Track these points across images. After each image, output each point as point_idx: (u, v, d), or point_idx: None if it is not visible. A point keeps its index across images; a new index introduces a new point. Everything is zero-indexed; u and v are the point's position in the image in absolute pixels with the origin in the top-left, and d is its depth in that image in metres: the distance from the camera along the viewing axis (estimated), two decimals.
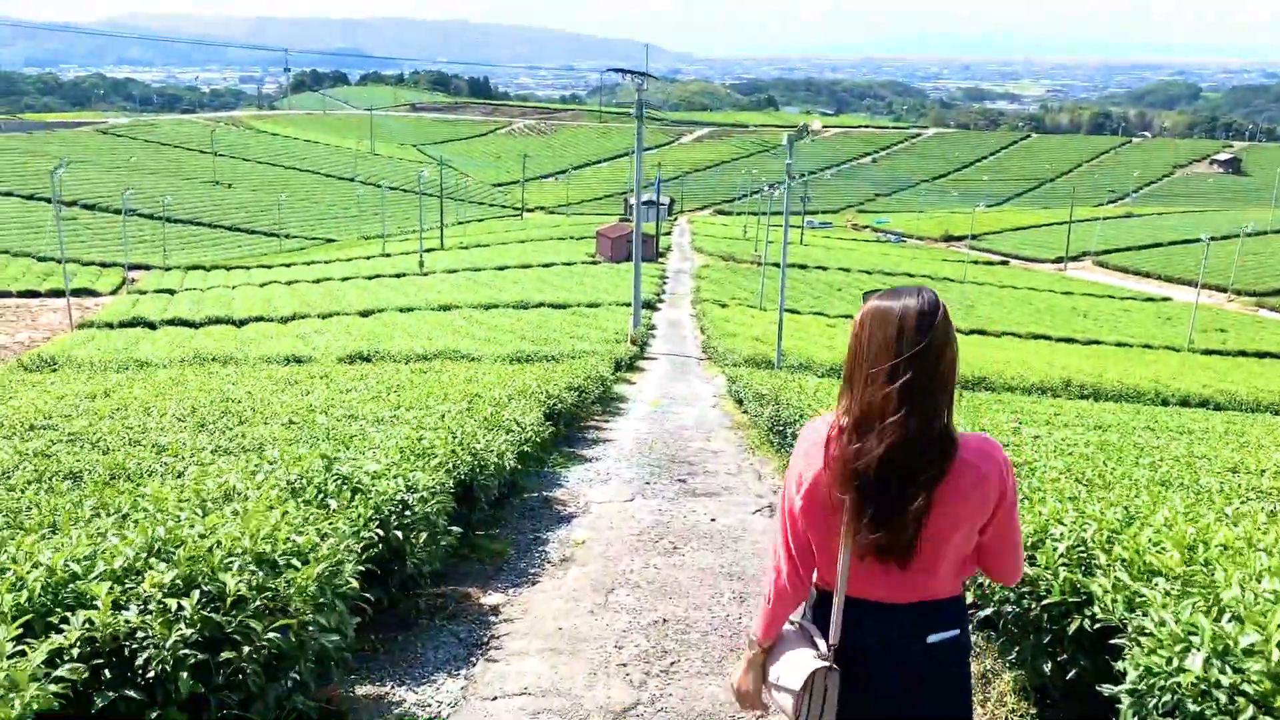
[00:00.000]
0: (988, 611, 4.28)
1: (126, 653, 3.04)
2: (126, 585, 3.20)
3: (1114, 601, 3.39)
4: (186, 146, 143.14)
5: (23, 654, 2.73)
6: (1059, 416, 15.63)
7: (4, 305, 60.31)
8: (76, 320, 51.86)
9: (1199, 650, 2.76)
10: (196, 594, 3.16)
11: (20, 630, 2.91)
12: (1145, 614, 3.16)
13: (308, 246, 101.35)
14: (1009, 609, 4.11)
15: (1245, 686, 2.61)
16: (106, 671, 3.01)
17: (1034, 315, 61.76)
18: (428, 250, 77.49)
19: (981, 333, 52.33)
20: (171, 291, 64.80)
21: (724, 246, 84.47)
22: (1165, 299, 77.28)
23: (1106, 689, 3.16)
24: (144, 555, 3.37)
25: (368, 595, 4.25)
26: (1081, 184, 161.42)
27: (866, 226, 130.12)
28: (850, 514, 2.23)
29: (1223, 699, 2.64)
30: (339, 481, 4.98)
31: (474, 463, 6.79)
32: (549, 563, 6.80)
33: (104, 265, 77.99)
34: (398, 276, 65.89)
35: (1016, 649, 4.16)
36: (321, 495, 4.79)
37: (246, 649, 3.14)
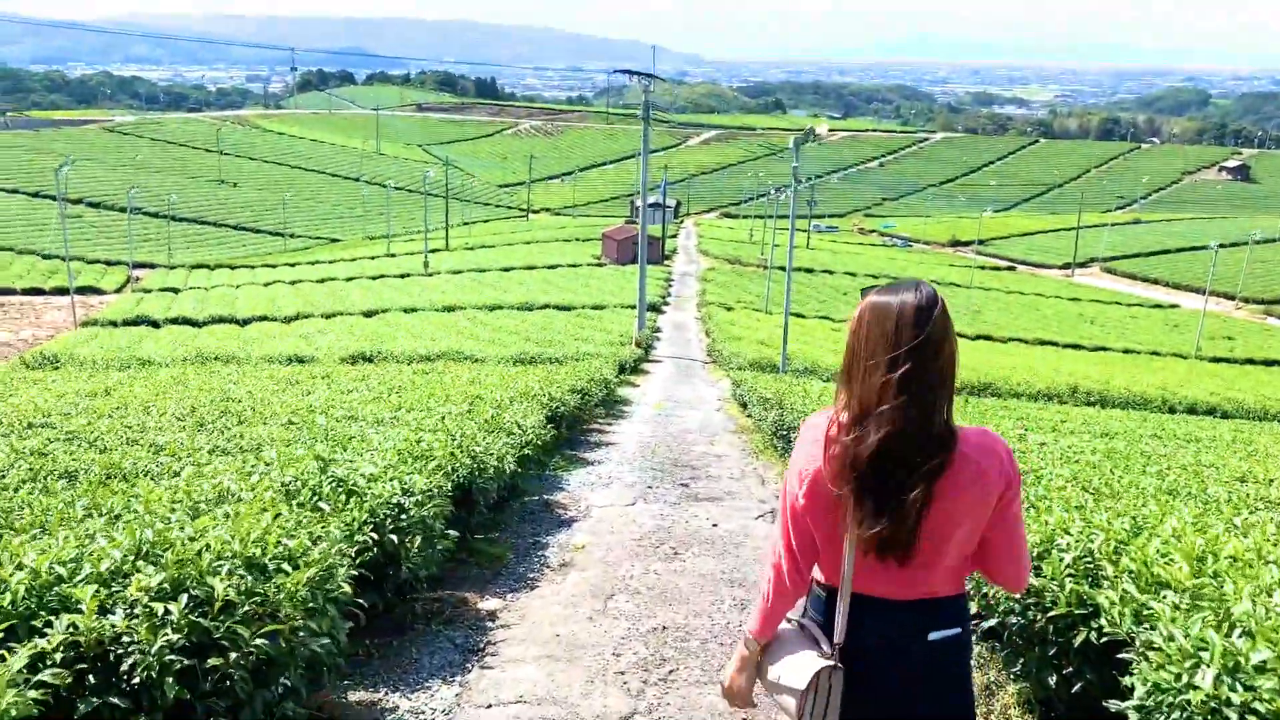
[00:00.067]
0: (992, 622, 4.21)
1: (112, 658, 2.98)
2: (113, 589, 3.14)
3: (1121, 614, 3.32)
4: (192, 145, 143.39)
5: (1, 659, 2.68)
6: (1065, 423, 15.54)
7: (8, 303, 60.39)
8: (80, 318, 51.92)
9: (1209, 666, 2.70)
10: (184, 598, 3.09)
11: (1, 635, 2.85)
12: (1154, 628, 3.09)
13: (312, 246, 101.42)
14: (1014, 620, 4.04)
15: (1257, 705, 2.55)
16: (91, 677, 2.95)
17: (1041, 321, 61.64)
18: (433, 251, 77.50)
19: (988, 338, 52.27)
20: (175, 290, 64.83)
21: (730, 249, 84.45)
22: (1173, 306, 77.12)
23: (1114, 705, 3.09)
24: (131, 558, 3.31)
25: (360, 601, 4.19)
26: (1090, 190, 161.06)
27: (873, 231, 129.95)
28: (850, 507, 2.21)
29: (1234, 717, 2.57)
30: (334, 484, 4.92)
31: (473, 466, 6.73)
32: (548, 567, 6.73)
33: (109, 263, 78.10)
34: (402, 277, 65.90)
35: (1021, 661, 4.09)
36: (316, 498, 4.73)
37: (234, 655, 3.08)
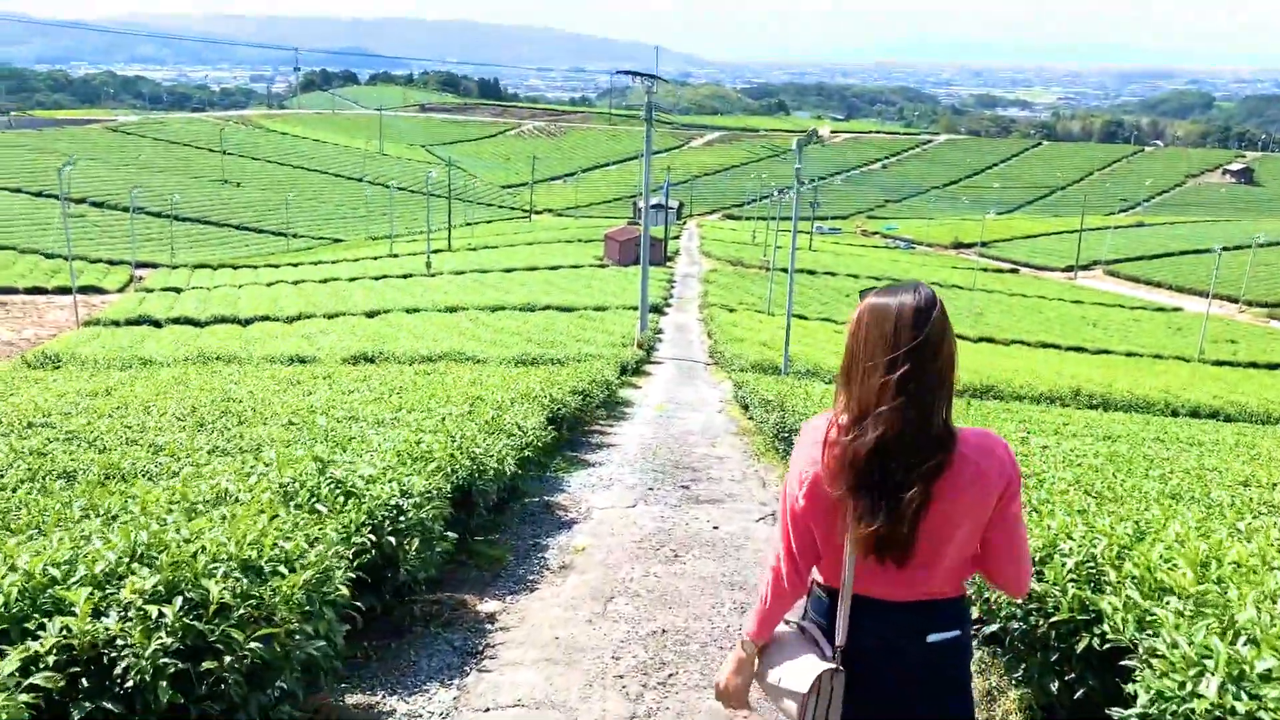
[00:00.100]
0: (994, 627, 4.18)
1: (105, 661, 2.96)
2: (107, 591, 3.11)
3: (1125, 621, 3.29)
4: (196, 145, 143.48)
5: None
6: (1068, 426, 15.50)
7: (11, 302, 60.46)
8: (83, 318, 51.96)
9: (1214, 675, 2.66)
10: (179, 601, 3.07)
11: None
12: (1157, 635, 3.06)
13: (315, 246, 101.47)
14: (1015, 625, 4.01)
15: (1262, 714, 2.52)
16: (83, 681, 2.92)
17: (1043, 324, 61.59)
18: (435, 251, 77.52)
19: (990, 340, 52.23)
20: (178, 290, 64.88)
21: (732, 251, 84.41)
22: (1176, 309, 77.02)
23: (1117, 713, 3.06)
24: (126, 560, 3.28)
25: (358, 604, 4.16)
26: (1093, 192, 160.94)
27: (876, 233, 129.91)
28: (848, 507, 2.20)
29: None
30: (332, 485, 4.88)
31: (473, 467, 6.70)
32: (548, 569, 6.70)
33: (111, 263, 78.18)
34: (404, 277, 65.91)
35: (1023, 666, 4.06)
36: (314, 499, 4.70)
37: (228, 659, 3.05)
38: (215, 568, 3.28)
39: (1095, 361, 46.23)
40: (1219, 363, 52.07)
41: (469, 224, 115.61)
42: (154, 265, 79.87)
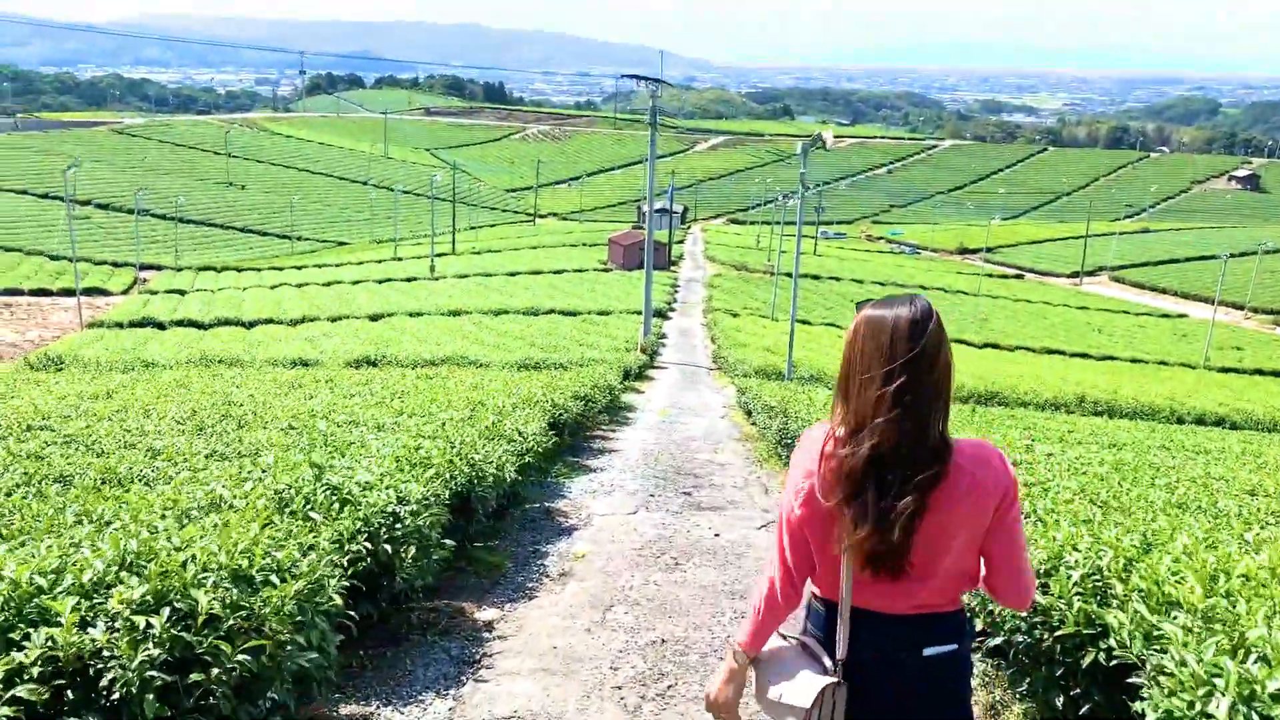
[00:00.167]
0: (998, 640, 4.13)
1: (91, 673, 2.91)
2: (95, 600, 3.06)
3: (1132, 636, 3.23)
4: (201, 147, 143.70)
5: None
6: (1073, 434, 15.42)
7: (16, 303, 60.51)
8: (87, 319, 51.98)
9: (1224, 695, 2.60)
10: (167, 611, 3.01)
11: None
12: (1165, 652, 2.99)
13: (319, 249, 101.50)
14: (1020, 638, 3.95)
15: None
16: (69, 693, 2.87)
17: (1048, 330, 61.48)
18: (439, 255, 77.53)
19: (995, 346, 52.12)
20: (182, 292, 64.94)
21: (737, 256, 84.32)
22: (1181, 315, 76.84)
23: None
24: (115, 569, 3.23)
25: (352, 613, 4.10)
26: (1098, 198, 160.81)
27: (881, 238, 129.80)
28: (843, 518, 2.20)
29: None
30: (328, 492, 4.83)
31: (472, 473, 6.64)
32: (547, 577, 6.64)
33: (116, 265, 78.27)
34: (408, 281, 65.90)
35: (1027, 680, 3.99)
36: (309, 506, 4.64)
37: (216, 671, 2.99)
38: (205, 577, 3.22)
39: (1100, 368, 46.10)
40: (1224, 369, 51.93)
41: (473, 228, 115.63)
42: (158, 267, 79.95)
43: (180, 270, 79.02)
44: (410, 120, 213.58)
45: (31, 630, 2.89)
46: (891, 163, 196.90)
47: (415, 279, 66.68)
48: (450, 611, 5.78)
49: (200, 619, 3.05)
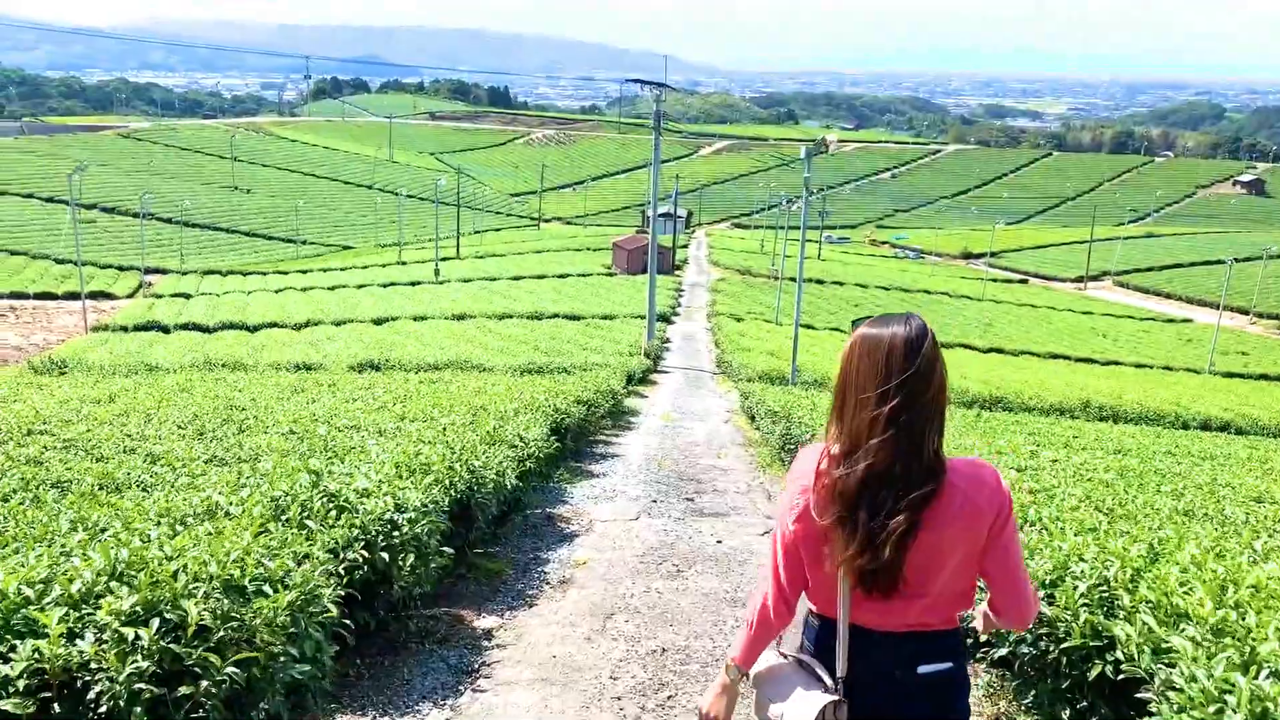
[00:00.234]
0: (1003, 651, 4.06)
1: (79, 685, 2.86)
2: (83, 611, 3.01)
3: (1140, 649, 3.16)
4: (206, 151, 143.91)
5: None
6: (1077, 439, 15.34)
7: (21, 307, 60.58)
8: (92, 323, 51.99)
9: (1235, 712, 2.54)
10: (156, 622, 2.96)
11: None
12: (1174, 666, 2.93)
13: (324, 253, 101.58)
14: (1025, 650, 3.89)
15: None
16: (56, 706, 2.82)
17: (1053, 334, 61.34)
18: (444, 259, 77.54)
19: (999, 351, 52.00)
20: (187, 296, 64.99)
21: (741, 260, 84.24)
22: (1186, 320, 76.65)
23: None
24: (105, 579, 3.18)
25: (347, 622, 4.04)
26: (1103, 203, 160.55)
27: (885, 242, 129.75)
28: (837, 537, 2.21)
29: None
30: (325, 499, 4.77)
31: (472, 479, 6.58)
32: (548, 584, 6.59)
33: (121, 268, 78.38)
34: (413, 285, 65.88)
35: (1033, 693, 3.94)
36: (305, 514, 4.59)
37: (205, 683, 2.94)
38: (196, 587, 3.17)
39: (1105, 373, 45.96)
40: (1229, 375, 51.77)
41: (477, 232, 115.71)
42: (164, 271, 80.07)
43: (185, 274, 79.12)
44: (415, 125, 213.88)
45: (18, 642, 2.84)
46: (895, 167, 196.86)
47: (419, 283, 66.66)
48: (449, 619, 5.73)
49: (190, 630, 3.00)
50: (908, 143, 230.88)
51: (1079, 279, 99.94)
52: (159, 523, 4.29)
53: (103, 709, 2.80)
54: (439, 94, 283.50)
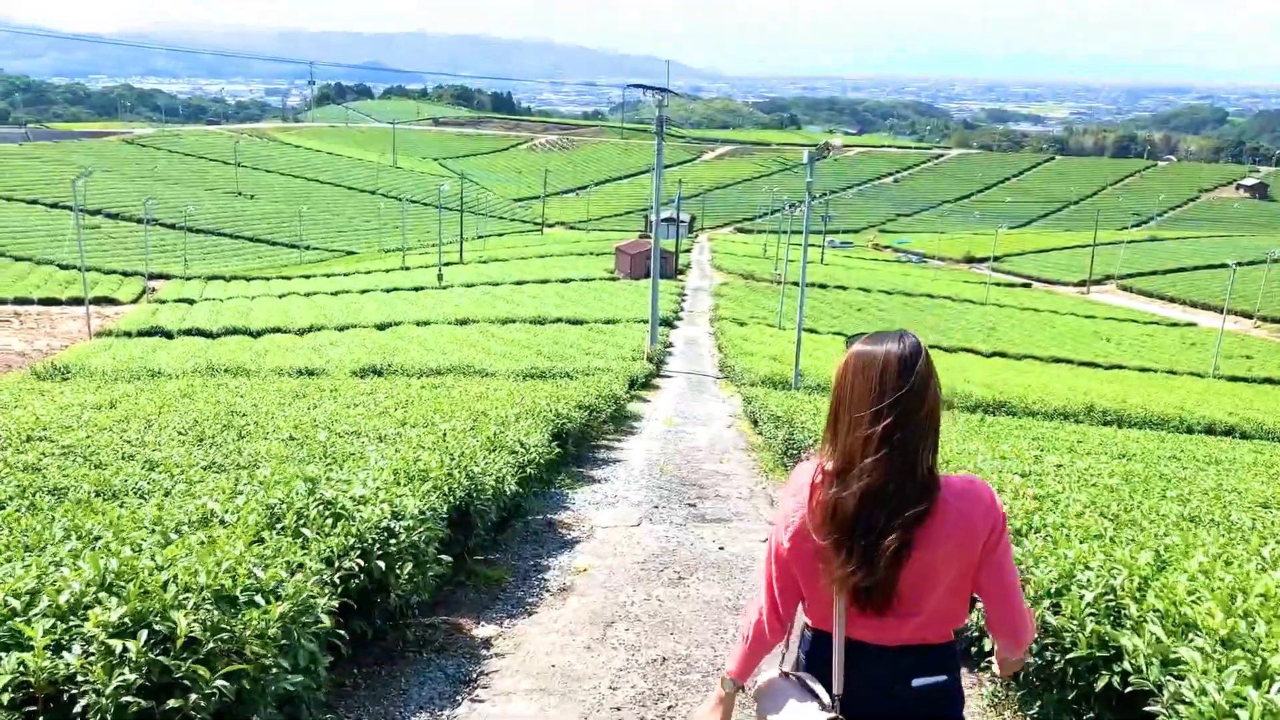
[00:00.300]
0: None
1: (65, 698, 2.80)
2: (70, 623, 2.95)
3: (1148, 661, 3.10)
4: (210, 157, 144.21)
5: None
6: (1082, 444, 15.26)
7: (25, 313, 60.60)
8: (95, 329, 51.98)
9: None
10: (145, 634, 2.91)
11: None
12: (1183, 678, 2.87)
13: (328, 259, 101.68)
14: (1030, 660, 3.82)
15: None
16: (41, 719, 2.77)
17: (1056, 338, 61.20)
18: (447, 264, 77.53)
19: (1003, 355, 51.89)
20: (191, 301, 64.97)
21: (744, 265, 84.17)
22: (1190, 324, 76.46)
23: None
24: (93, 589, 3.12)
25: (341, 633, 3.98)
26: (1105, 207, 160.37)
27: (888, 247, 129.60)
28: (832, 555, 2.20)
29: None
30: (321, 507, 4.71)
31: (471, 486, 6.52)
32: (548, 591, 6.53)
33: (125, 274, 78.41)
34: (416, 290, 65.86)
35: (1038, 703, 3.87)
36: (301, 521, 4.53)
37: (194, 696, 2.88)
38: (185, 598, 3.11)
39: (1108, 377, 45.85)
40: (1233, 378, 51.62)
41: (481, 237, 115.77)
42: (167, 276, 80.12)
43: (189, 279, 79.18)
44: (418, 130, 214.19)
45: (2, 655, 2.79)
46: (898, 172, 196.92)
47: (423, 288, 66.64)
48: (448, 628, 5.67)
49: (179, 642, 2.95)
50: (910, 147, 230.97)
51: (1082, 283, 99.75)
52: (152, 531, 4.24)
53: None
54: (442, 100, 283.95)
